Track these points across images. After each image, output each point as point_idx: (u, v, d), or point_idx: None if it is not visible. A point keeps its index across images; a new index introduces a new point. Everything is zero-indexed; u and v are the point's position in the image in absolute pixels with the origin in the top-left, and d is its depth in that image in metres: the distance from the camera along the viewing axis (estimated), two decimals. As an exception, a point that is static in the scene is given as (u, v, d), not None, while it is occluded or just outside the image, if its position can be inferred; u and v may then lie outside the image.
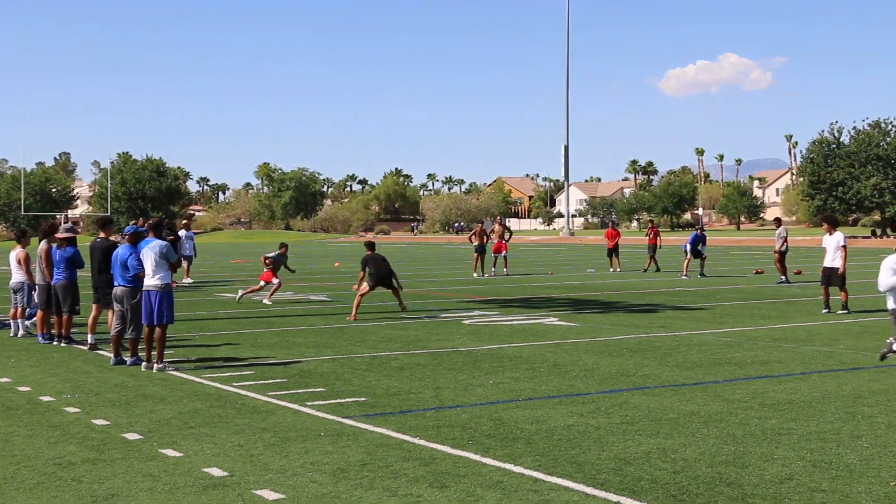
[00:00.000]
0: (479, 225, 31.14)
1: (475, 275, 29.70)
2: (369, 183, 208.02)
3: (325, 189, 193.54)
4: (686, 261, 28.22)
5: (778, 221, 27.15)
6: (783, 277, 25.22)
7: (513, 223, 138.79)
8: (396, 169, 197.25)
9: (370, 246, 18.33)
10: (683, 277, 27.70)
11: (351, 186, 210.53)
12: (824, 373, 10.68)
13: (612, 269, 32.01)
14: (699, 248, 28.50)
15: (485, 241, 30.08)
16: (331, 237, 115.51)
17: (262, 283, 20.56)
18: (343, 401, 9.29)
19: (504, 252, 30.37)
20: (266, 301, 19.92)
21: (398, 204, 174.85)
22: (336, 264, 39.96)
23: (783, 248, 25.47)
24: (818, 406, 8.82)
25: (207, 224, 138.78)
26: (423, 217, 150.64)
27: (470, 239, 30.72)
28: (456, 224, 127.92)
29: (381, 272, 17.63)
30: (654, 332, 14.60)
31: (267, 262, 20.40)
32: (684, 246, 28.74)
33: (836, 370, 10.87)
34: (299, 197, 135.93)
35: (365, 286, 17.55)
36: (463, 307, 19.38)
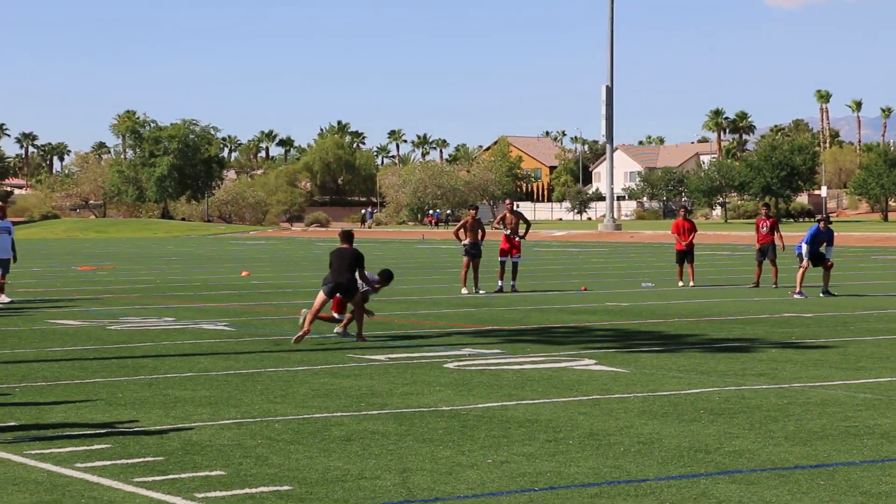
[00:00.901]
0: (472, 212, 31.12)
1: (465, 291, 29.78)
2: (296, 145, 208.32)
3: (225, 154, 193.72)
4: (801, 270, 28.36)
5: None
6: None
7: (525, 209, 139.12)
8: (340, 123, 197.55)
9: (345, 237, 19.77)
10: (797, 296, 27.84)
11: (267, 150, 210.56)
12: None
13: (681, 284, 32.14)
14: (822, 250, 28.63)
15: (480, 237, 30.10)
16: (235, 230, 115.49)
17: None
18: (254, 491, 9.26)
19: (516, 256, 30.43)
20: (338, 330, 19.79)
21: (342, 178, 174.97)
22: (243, 273, 39.98)
23: None
24: None
25: (34, 209, 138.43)
26: (381, 199, 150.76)
27: (457, 234, 30.76)
28: (433, 211, 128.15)
29: (337, 276, 19.01)
30: (750, 384, 14.64)
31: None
32: (798, 247, 28.89)
33: None
34: (184, 166, 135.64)
35: (321, 294, 18.93)
36: (446, 342, 19.38)
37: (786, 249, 32.30)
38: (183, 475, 9.80)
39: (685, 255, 32.38)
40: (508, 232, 30.26)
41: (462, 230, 30.25)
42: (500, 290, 30.03)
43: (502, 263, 30.45)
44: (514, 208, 31.10)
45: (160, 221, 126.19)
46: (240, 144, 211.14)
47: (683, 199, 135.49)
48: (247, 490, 9.31)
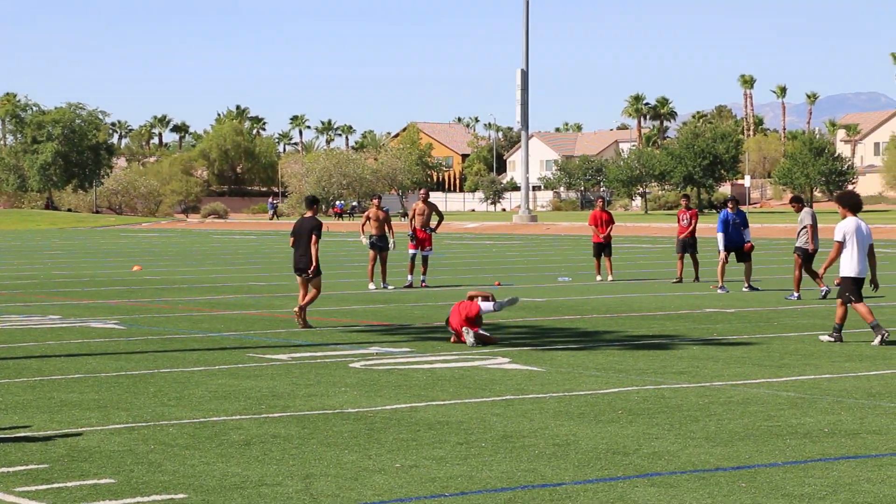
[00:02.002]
0: (375, 202, 31.08)
1: (372, 286, 29.77)
2: (192, 131, 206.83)
3: (115, 140, 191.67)
4: (721, 263, 28.60)
5: (799, 202, 27.81)
6: (796, 293, 26.38)
7: (436, 199, 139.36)
8: (238, 108, 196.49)
9: (310, 203, 21.81)
10: (719, 291, 28.13)
11: (160, 136, 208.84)
12: (947, 448, 11.00)
13: (599, 278, 32.37)
14: (737, 236, 28.71)
15: (387, 229, 30.10)
16: (126, 222, 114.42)
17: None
18: (146, 500, 9.23)
19: (427, 250, 30.47)
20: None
21: (241, 167, 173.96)
22: (135, 268, 39.64)
23: (807, 246, 26.34)
24: (936, 503, 9.06)
25: None
26: (284, 189, 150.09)
27: (363, 228, 30.70)
28: (337, 202, 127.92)
29: (297, 248, 21.24)
30: (670, 383, 14.80)
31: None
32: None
33: (965, 444, 11.20)
34: (70, 153, 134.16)
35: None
36: (352, 339, 19.40)
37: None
38: (69, 484, 9.71)
39: (603, 249, 32.59)
40: (417, 224, 30.30)
41: (368, 222, 30.15)
42: (410, 286, 30.06)
43: (412, 257, 30.49)
44: (428, 198, 31.14)
45: (44, 212, 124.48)
46: (130, 130, 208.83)
47: (602, 189, 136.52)
48: (138, 499, 9.26)
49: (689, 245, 31.56)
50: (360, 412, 12.86)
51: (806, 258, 26.34)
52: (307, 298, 21.14)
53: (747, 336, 19.63)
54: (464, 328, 18.34)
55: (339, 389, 14.34)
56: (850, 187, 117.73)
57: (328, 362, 16.71)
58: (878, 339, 18.25)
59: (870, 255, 18.68)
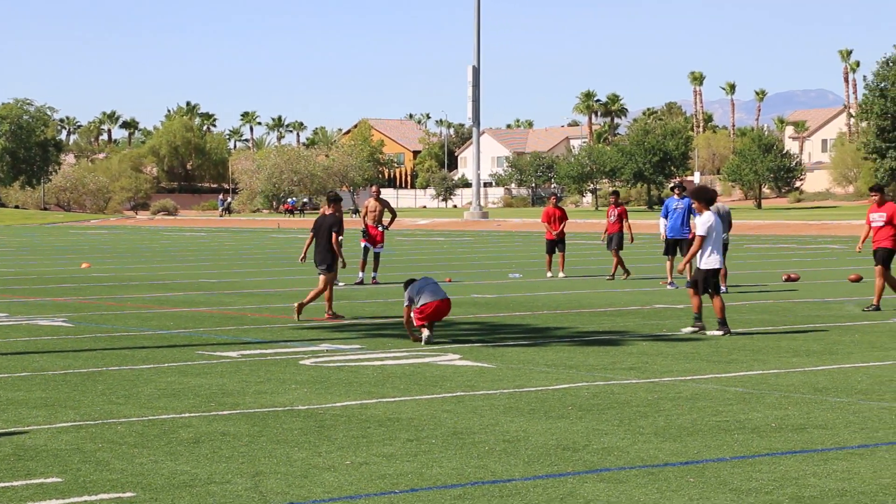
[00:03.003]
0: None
1: (323, 283, 29.74)
2: (141, 127, 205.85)
3: (63, 137, 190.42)
4: (668, 261, 28.64)
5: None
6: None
7: (388, 196, 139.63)
8: (189, 104, 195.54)
9: (333, 199, 22.27)
10: (669, 287, 28.25)
11: (110, 133, 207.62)
12: None
13: (549, 275, 32.45)
14: (678, 224, 28.60)
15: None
16: (75, 219, 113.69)
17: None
18: (94, 499, 9.18)
19: (379, 247, 30.46)
20: None
21: (192, 163, 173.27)
22: (83, 265, 39.40)
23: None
24: (888, 501, 9.13)
25: None
26: (234, 185, 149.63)
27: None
28: (290, 199, 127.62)
29: (317, 244, 21.18)
30: (620, 378, 14.86)
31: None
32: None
33: (910, 438, 11.30)
34: (17, 149, 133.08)
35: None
36: (302, 336, 19.37)
37: (634, 241, 33.05)
38: (15, 483, 9.65)
39: (556, 245, 32.66)
40: (370, 221, 30.33)
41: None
42: (361, 283, 30.06)
43: (364, 252, 30.48)
44: (380, 195, 31.16)
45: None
46: (79, 126, 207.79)
47: (553, 186, 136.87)
48: (85, 497, 9.21)
49: (614, 241, 31.46)
50: (311, 409, 12.84)
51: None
52: (312, 294, 21.79)
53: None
54: (424, 325, 18.27)
55: (289, 387, 14.31)
56: (798, 184, 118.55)
57: (278, 359, 16.67)
58: (691, 329, 19.32)
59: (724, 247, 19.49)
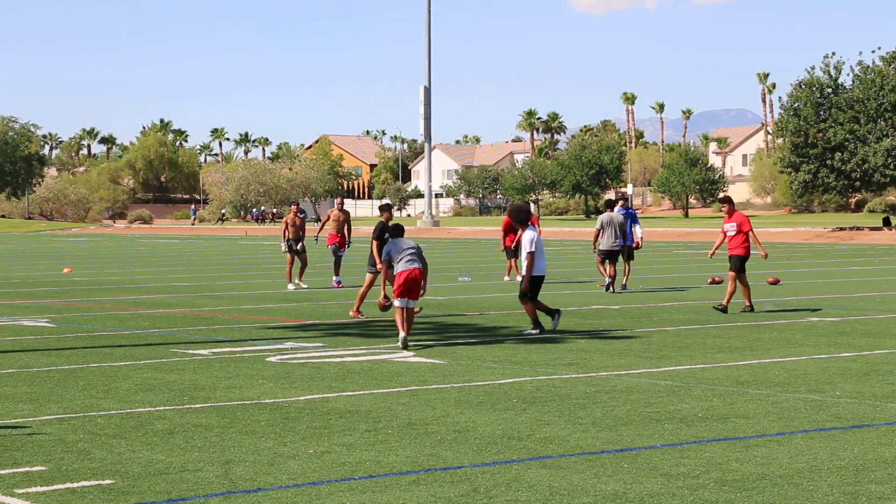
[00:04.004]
0: (293, 208, 31.10)
1: (291, 286, 29.65)
2: (118, 143, 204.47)
3: (46, 151, 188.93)
4: (599, 260, 28.51)
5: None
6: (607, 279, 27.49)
7: (347, 206, 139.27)
8: (162, 121, 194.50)
9: (384, 208, 21.83)
10: (605, 290, 28.27)
11: (89, 148, 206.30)
12: (812, 433, 11.15)
13: (507, 278, 32.30)
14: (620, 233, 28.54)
15: (302, 234, 30.14)
16: (57, 227, 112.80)
17: None
18: (76, 486, 9.12)
19: (341, 251, 30.38)
20: None
21: (165, 176, 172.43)
22: (65, 270, 39.13)
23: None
24: (803, 483, 9.19)
25: None
26: (205, 196, 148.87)
27: (284, 233, 30.53)
28: (254, 210, 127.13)
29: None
30: (561, 373, 14.89)
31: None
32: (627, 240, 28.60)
33: (829, 429, 11.37)
34: (3, 163, 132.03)
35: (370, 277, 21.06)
36: (268, 335, 19.31)
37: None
38: (2, 471, 9.58)
39: (517, 251, 32.41)
40: (332, 229, 30.29)
41: (289, 228, 30.30)
42: (338, 285, 29.91)
43: (335, 257, 30.38)
44: (343, 207, 31.13)
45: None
46: (61, 142, 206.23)
47: (498, 197, 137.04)
48: (68, 485, 9.16)
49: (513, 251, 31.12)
50: (276, 402, 12.80)
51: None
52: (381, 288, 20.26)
53: (630, 330, 19.79)
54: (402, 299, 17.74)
55: (257, 382, 14.27)
56: (721, 194, 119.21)
57: (246, 357, 16.61)
58: (533, 330, 19.09)
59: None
